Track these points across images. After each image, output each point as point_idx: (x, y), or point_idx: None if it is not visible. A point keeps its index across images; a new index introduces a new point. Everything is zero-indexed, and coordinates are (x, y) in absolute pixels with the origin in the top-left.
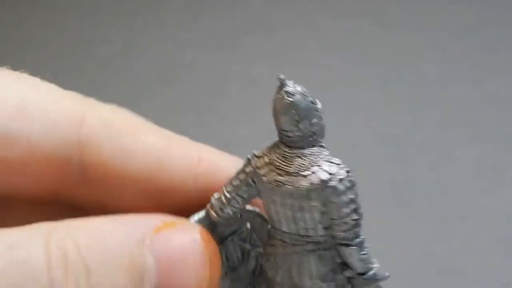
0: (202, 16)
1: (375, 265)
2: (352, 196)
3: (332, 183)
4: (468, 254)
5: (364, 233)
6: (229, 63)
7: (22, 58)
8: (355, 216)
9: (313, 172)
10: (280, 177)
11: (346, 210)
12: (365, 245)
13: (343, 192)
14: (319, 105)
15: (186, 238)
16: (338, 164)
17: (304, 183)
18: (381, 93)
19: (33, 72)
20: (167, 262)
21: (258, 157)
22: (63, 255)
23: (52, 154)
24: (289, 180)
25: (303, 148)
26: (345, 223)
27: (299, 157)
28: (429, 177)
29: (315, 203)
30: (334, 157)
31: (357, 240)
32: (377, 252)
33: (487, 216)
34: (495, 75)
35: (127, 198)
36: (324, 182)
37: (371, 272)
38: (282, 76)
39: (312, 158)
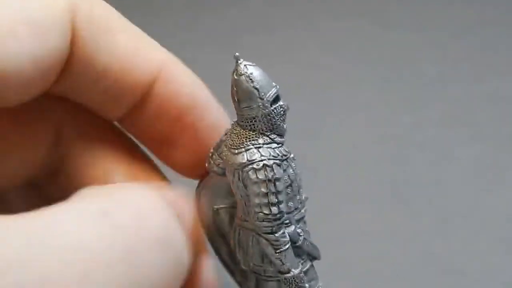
0: (202, 16)
1: (295, 270)
2: (264, 190)
3: (246, 169)
4: (468, 254)
5: (365, 233)
6: (229, 63)
7: None
8: (265, 211)
9: (239, 153)
10: (224, 148)
11: (256, 200)
12: (286, 247)
13: (255, 182)
14: (267, 96)
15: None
16: (262, 155)
17: (231, 160)
18: (381, 93)
19: None
20: (192, 234)
21: (232, 124)
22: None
23: (41, 61)
24: (226, 152)
25: (243, 128)
26: (255, 212)
27: (236, 135)
28: (429, 177)
29: (239, 183)
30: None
31: (271, 236)
32: (377, 252)
33: (487, 216)
34: (495, 75)
35: (98, 91)
36: (241, 165)
37: (289, 275)
38: (237, 54)
39: (244, 140)
